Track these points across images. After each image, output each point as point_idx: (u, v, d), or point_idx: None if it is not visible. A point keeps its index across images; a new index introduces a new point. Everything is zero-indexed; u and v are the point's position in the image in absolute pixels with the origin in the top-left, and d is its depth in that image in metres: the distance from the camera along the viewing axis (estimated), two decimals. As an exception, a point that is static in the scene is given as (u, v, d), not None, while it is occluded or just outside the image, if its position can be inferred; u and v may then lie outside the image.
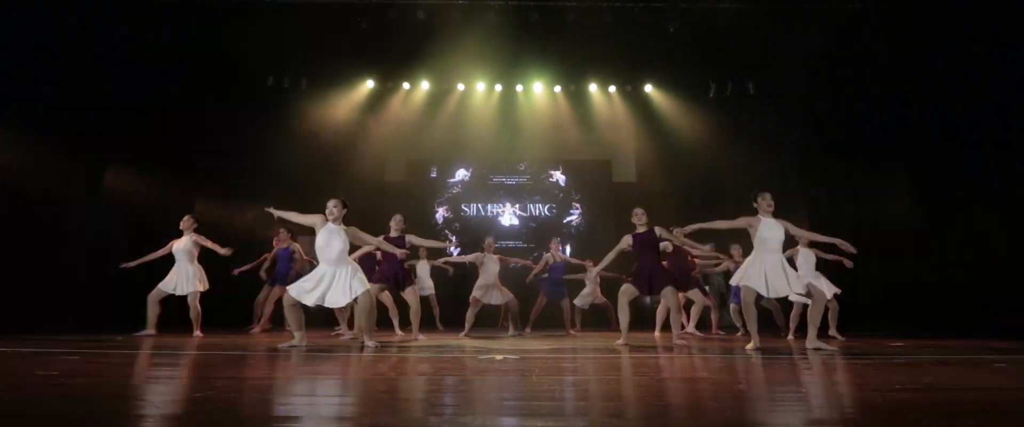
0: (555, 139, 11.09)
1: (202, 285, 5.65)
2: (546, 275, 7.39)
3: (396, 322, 6.11)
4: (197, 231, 5.80)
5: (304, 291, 3.76)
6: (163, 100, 7.80)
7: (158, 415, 1.51)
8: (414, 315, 5.36)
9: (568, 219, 11.19)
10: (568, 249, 10.58)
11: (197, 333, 5.51)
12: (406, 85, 10.31)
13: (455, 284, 8.60)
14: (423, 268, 7.82)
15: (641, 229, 4.92)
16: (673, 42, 8.51)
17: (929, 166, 6.57)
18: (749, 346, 4.01)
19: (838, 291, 5.58)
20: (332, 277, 3.80)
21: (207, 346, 4.10)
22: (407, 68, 9.88)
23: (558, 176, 11.40)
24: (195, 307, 5.55)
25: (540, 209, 11.14)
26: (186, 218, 5.83)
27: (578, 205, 11.20)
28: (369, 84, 10.14)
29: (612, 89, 10.43)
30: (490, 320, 8.51)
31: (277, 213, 3.92)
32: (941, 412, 1.56)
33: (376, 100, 10.37)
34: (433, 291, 7.87)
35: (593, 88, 10.40)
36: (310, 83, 9.74)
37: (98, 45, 6.73)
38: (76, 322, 5.85)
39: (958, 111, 6.28)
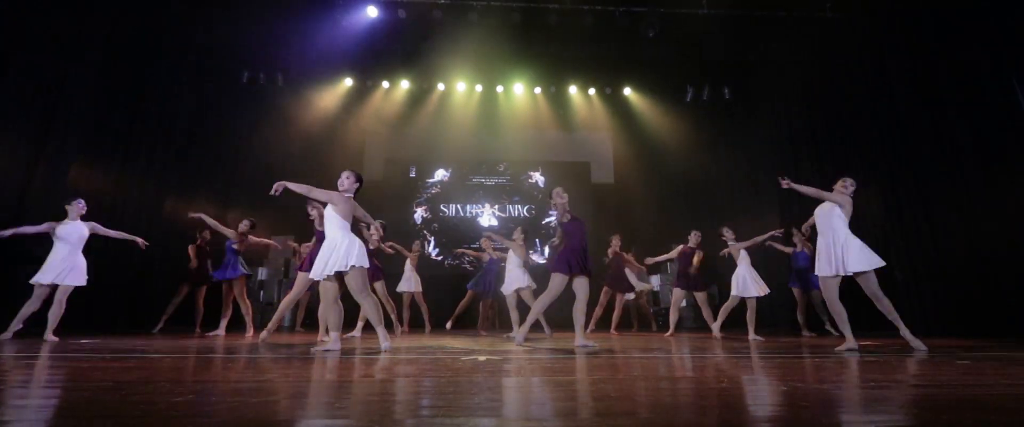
0: (535, 140, 11.14)
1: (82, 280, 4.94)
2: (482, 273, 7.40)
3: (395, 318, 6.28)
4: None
5: (319, 269, 3.62)
6: (132, 94, 7.56)
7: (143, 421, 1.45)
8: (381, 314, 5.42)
9: (547, 220, 11.23)
10: (546, 250, 10.63)
11: (51, 336, 4.69)
12: (385, 84, 10.20)
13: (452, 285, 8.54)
14: (407, 266, 7.75)
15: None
16: (652, 47, 8.65)
17: (899, 170, 6.81)
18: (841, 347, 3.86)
19: (767, 292, 5.72)
20: (340, 245, 3.63)
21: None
22: (386, 67, 9.79)
23: (537, 177, 11.43)
24: (62, 304, 4.80)
25: (519, 210, 11.16)
26: (80, 202, 5.06)
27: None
28: (347, 82, 10.00)
29: (592, 92, 10.52)
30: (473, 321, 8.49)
31: (289, 186, 3.63)
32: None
33: (354, 99, 10.24)
34: (419, 290, 7.77)
35: (573, 90, 10.47)
36: (286, 80, 9.56)
37: (66, 36, 6.49)
38: (36, 323, 5.58)
39: (927, 116, 6.53)
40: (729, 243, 6.02)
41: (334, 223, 3.70)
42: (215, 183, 8.83)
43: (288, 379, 2.23)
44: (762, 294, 5.65)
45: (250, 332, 6.01)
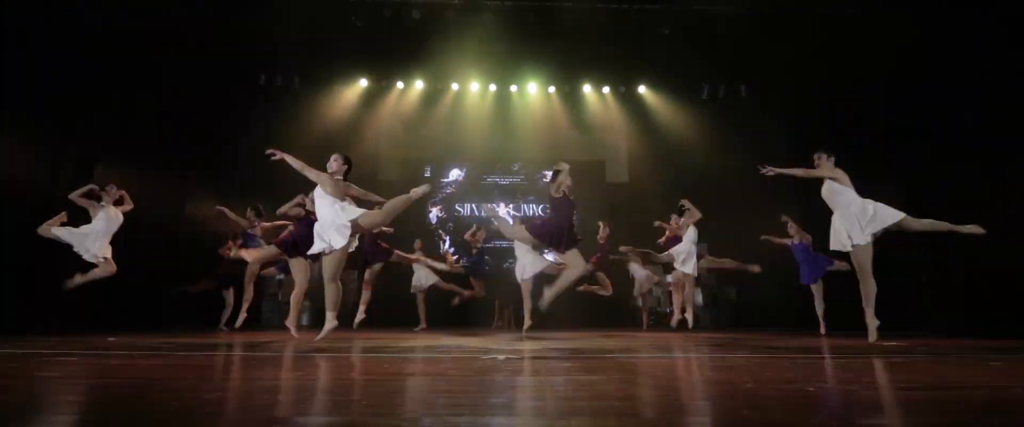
0: (549, 139, 11.11)
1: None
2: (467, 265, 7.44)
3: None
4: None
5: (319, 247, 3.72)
6: (153, 95, 7.71)
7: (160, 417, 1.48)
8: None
9: (561, 219, 11.20)
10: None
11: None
12: (400, 84, 10.26)
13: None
14: (418, 265, 7.68)
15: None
16: (667, 44, 8.57)
17: (919, 169, 6.67)
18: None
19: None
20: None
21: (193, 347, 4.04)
22: (401, 67, 9.84)
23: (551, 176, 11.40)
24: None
25: (534, 209, 11.15)
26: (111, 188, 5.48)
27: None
28: (362, 83, 10.08)
29: (606, 90, 10.45)
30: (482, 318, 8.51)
31: (286, 157, 3.83)
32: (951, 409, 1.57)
33: (369, 99, 10.31)
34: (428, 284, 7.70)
35: (587, 89, 10.42)
36: (303, 81, 9.67)
37: (89, 39, 6.64)
38: (64, 321, 5.73)
39: (949, 114, 6.39)
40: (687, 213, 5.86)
41: (325, 202, 3.82)
42: (234, 183, 8.97)
43: (311, 378, 2.26)
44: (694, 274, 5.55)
45: (239, 321, 6.09)
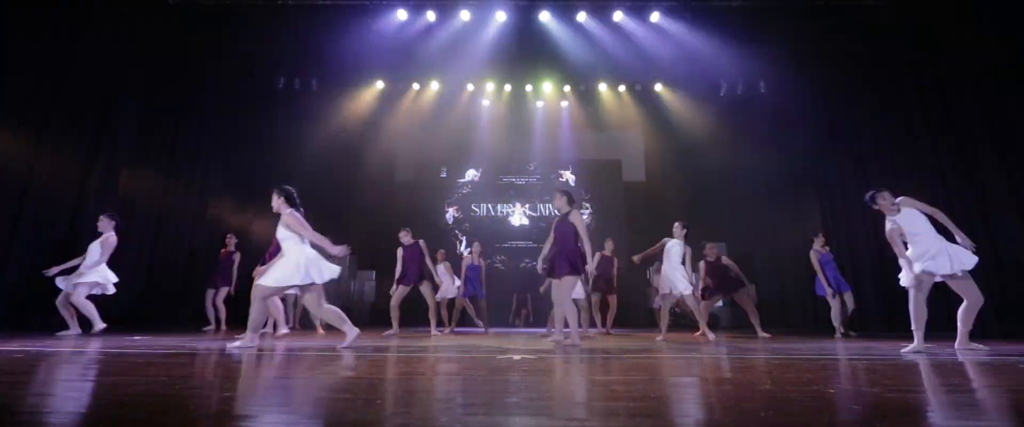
0: (565, 139, 11.10)
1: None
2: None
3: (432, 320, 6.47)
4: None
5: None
6: (176, 101, 7.88)
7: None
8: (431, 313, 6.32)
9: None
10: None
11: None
12: (416, 86, 10.32)
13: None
14: (442, 271, 7.70)
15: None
16: (684, 42, 8.47)
17: (949, 166, 6.45)
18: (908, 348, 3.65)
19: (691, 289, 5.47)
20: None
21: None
22: (417, 69, 9.89)
23: (568, 176, 11.38)
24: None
25: (550, 209, 11.12)
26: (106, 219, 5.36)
27: (588, 205, 11.17)
28: (379, 85, 10.16)
29: (622, 89, 10.37)
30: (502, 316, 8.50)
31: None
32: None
33: (386, 101, 10.39)
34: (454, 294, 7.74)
35: (603, 88, 10.34)
36: (320, 84, 9.80)
37: (115, 48, 6.81)
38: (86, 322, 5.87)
39: (978, 110, 6.19)
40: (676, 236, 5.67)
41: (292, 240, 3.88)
42: (254, 185, 9.12)
43: (329, 377, 2.29)
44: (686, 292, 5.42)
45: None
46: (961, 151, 6.38)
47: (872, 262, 7.22)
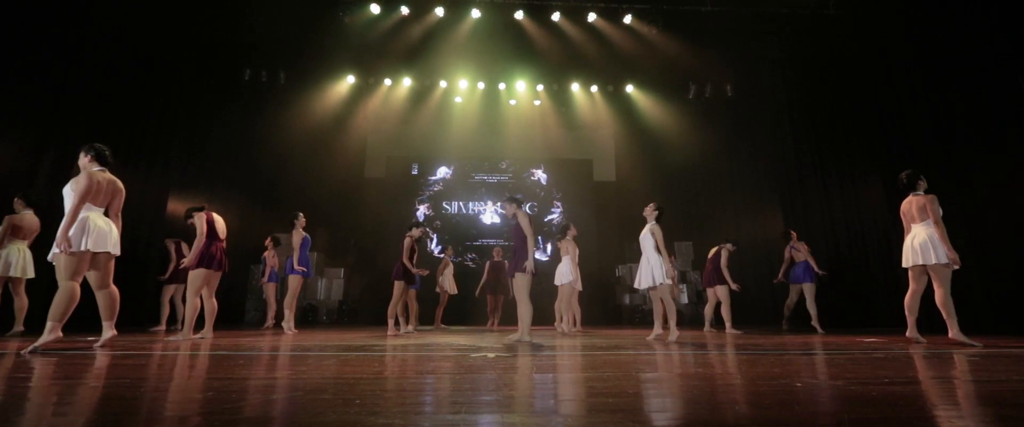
0: (537, 138, 11.15)
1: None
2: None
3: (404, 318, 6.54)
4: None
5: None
6: (134, 91, 7.53)
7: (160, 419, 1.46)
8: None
9: (549, 217, 11.24)
10: (548, 247, 10.65)
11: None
12: (388, 81, 10.17)
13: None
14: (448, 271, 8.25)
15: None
16: (655, 43, 8.63)
17: (901, 166, 6.77)
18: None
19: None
20: None
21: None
22: (389, 64, 9.76)
23: (540, 175, 11.44)
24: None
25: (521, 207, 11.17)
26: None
27: (559, 204, 11.26)
28: (350, 80, 9.98)
29: (594, 89, 10.48)
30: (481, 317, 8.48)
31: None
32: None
33: (357, 96, 10.22)
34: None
35: (575, 88, 10.43)
36: (288, 77, 9.54)
37: (69, 34, 6.47)
38: (34, 320, 5.57)
39: (929, 112, 6.53)
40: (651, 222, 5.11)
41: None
42: (217, 180, 8.83)
43: (308, 376, 2.24)
44: (644, 287, 5.08)
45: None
46: (911, 151, 6.72)
47: (830, 259, 7.53)
